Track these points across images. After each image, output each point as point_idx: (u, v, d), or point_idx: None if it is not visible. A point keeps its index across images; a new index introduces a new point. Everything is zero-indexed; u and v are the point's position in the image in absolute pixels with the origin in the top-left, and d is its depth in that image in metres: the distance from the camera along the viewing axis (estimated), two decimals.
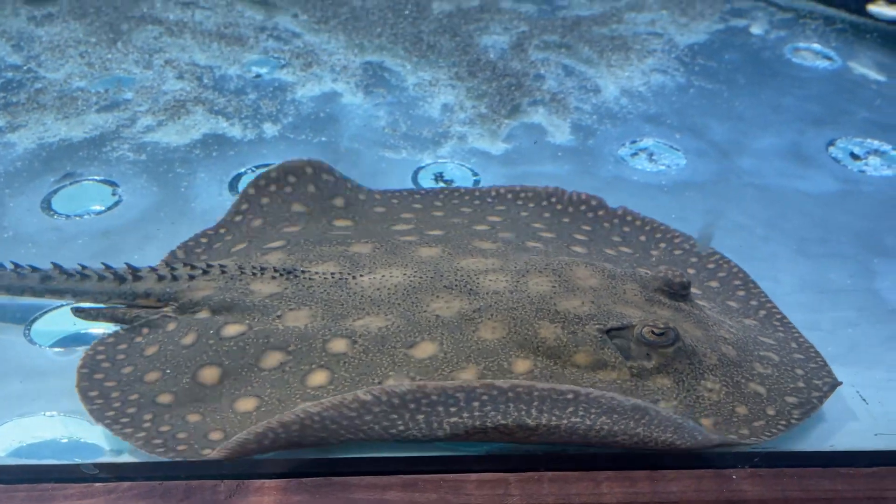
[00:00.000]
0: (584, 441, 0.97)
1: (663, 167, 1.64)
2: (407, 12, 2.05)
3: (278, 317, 1.07)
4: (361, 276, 1.12)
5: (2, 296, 1.14)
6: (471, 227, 1.31)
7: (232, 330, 1.07)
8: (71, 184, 1.45)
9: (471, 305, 1.07)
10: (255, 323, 1.07)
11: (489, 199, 1.41)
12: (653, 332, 1.04)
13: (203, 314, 1.10)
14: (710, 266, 1.32)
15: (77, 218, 1.37)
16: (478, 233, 1.28)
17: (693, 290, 1.19)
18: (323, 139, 1.64)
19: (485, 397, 0.93)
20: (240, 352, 1.05)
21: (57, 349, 1.14)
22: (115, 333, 1.11)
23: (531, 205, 1.41)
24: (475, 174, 1.58)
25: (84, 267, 1.14)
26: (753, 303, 1.26)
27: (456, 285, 1.10)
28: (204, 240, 1.31)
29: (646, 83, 1.89)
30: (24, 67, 1.74)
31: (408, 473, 0.96)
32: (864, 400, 1.12)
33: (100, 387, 1.04)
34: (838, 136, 1.73)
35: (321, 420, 0.92)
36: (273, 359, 1.04)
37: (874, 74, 1.96)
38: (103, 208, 1.40)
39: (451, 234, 1.26)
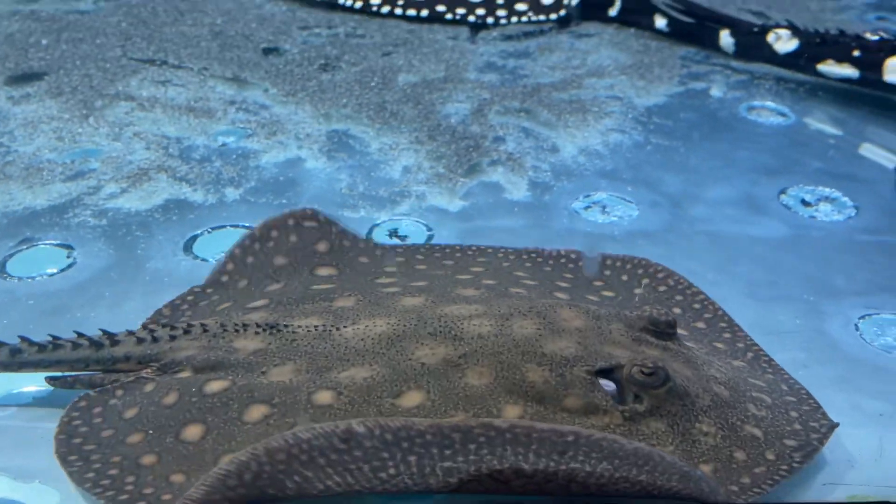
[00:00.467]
0: (583, 489, 0.93)
1: (615, 218, 1.66)
2: (373, 84, 2.13)
3: (263, 373, 1.07)
4: (345, 327, 1.11)
5: None
6: (454, 276, 1.32)
7: (215, 386, 1.06)
8: (28, 248, 1.48)
9: (456, 351, 1.06)
10: (239, 379, 1.07)
11: (470, 253, 1.43)
12: (642, 371, 1.02)
13: (185, 374, 1.09)
14: (696, 306, 1.32)
15: (29, 280, 1.40)
16: (461, 281, 1.29)
17: (680, 330, 1.18)
18: (283, 201, 1.68)
19: (482, 439, 0.90)
20: (223, 407, 1.04)
21: None
22: (87, 396, 1.10)
23: (512, 257, 1.43)
24: (429, 229, 1.61)
25: (55, 337, 1.13)
26: (740, 345, 1.26)
27: (440, 332, 1.09)
28: (190, 297, 1.32)
29: (603, 142, 1.94)
30: None
31: None
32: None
33: (79, 451, 1.02)
34: (790, 185, 1.76)
35: (309, 450, 0.88)
36: (257, 412, 1.03)
37: (827, 128, 2.01)
38: (56, 270, 1.42)
39: (434, 283, 1.27)
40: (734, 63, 2.30)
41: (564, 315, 1.11)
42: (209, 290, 1.32)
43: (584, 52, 2.37)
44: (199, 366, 1.09)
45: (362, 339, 1.09)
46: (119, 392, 1.09)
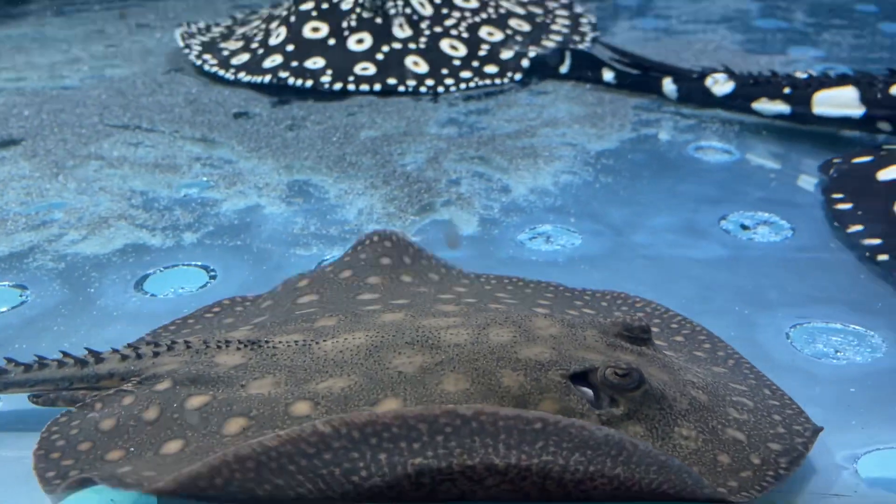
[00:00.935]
0: (560, 489, 0.92)
1: (559, 247, 1.71)
2: (335, 139, 2.23)
3: (242, 385, 1.08)
4: (325, 341, 1.13)
5: None
6: (436, 295, 1.35)
7: (196, 402, 1.07)
8: None
9: (433, 359, 1.07)
10: (220, 393, 1.08)
11: (454, 274, 1.47)
12: (616, 373, 1.01)
13: (164, 385, 1.11)
14: (674, 326, 1.34)
15: None
16: (442, 300, 1.32)
17: (659, 342, 1.20)
18: (238, 242, 1.74)
19: (448, 429, 0.87)
20: (203, 422, 1.05)
21: None
22: (68, 413, 1.12)
23: (493, 281, 1.47)
24: None
25: (40, 357, 1.16)
26: (721, 353, 1.27)
27: (418, 341, 1.11)
28: (172, 327, 1.36)
29: (554, 182, 2.01)
30: None
31: None
32: None
33: (57, 466, 1.03)
34: (730, 212, 1.82)
35: (277, 457, 0.87)
36: (236, 425, 1.04)
37: (768, 163, 2.08)
38: (7, 308, 1.48)
39: (415, 301, 1.30)
40: (684, 110, 2.40)
41: (539, 324, 1.13)
42: (190, 321, 1.36)
43: (540, 107, 2.47)
44: (180, 379, 1.10)
45: (341, 351, 1.11)
46: (98, 405, 1.10)
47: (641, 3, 3.58)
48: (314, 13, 2.59)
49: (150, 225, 1.79)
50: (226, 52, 2.66)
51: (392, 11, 2.56)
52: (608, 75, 2.53)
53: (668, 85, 2.40)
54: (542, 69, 2.64)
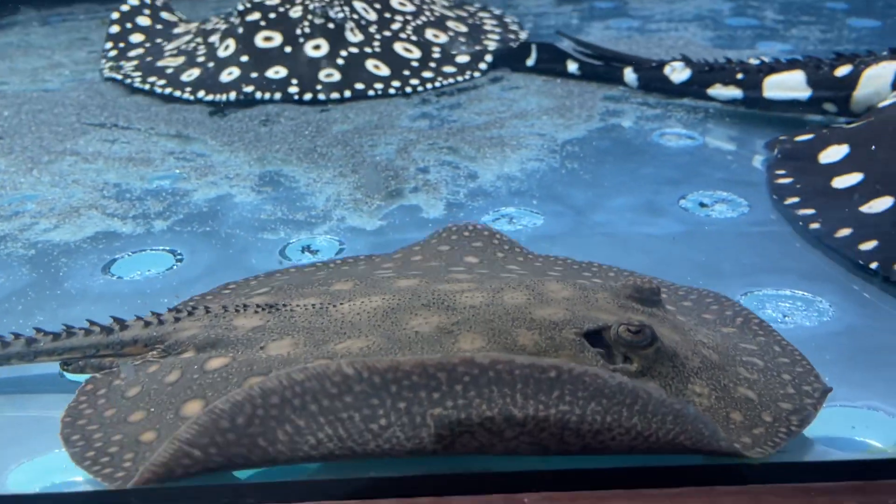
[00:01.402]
0: (578, 440, 0.93)
1: (521, 227, 1.75)
2: (307, 133, 2.27)
3: (262, 347, 1.10)
4: (342, 304, 1.16)
5: None
6: (448, 267, 1.39)
7: (216, 363, 1.10)
8: None
9: (449, 319, 1.09)
10: (239, 354, 1.10)
11: (467, 248, 1.49)
12: (629, 330, 1.03)
13: (188, 354, 1.13)
14: (681, 293, 1.37)
15: None
16: (454, 270, 1.35)
17: (668, 306, 1.22)
18: (207, 229, 1.77)
19: (466, 378, 0.88)
20: (223, 382, 1.06)
21: None
22: (93, 379, 1.15)
23: (506, 247, 1.50)
24: (341, 243, 1.69)
25: (67, 326, 1.20)
26: (728, 313, 1.29)
27: (434, 303, 1.13)
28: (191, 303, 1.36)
29: (521, 169, 2.04)
30: None
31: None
32: None
33: (82, 431, 1.06)
34: (690, 192, 1.86)
35: (302, 394, 0.88)
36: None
37: (729, 146, 2.12)
38: None
39: (429, 270, 1.33)
40: (650, 100, 2.45)
41: (552, 287, 1.17)
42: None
43: (511, 101, 2.52)
44: (200, 345, 1.13)
45: (358, 314, 1.13)
46: (123, 375, 1.13)
47: (618, 4, 3.64)
48: (263, 23, 2.56)
49: (121, 214, 1.83)
50: (170, 70, 2.57)
51: (340, 16, 2.57)
52: (572, 66, 2.59)
53: (629, 74, 2.46)
54: (509, 62, 2.70)
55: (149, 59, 2.71)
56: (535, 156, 2.12)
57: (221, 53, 2.55)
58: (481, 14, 3.08)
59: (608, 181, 1.95)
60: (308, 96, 2.44)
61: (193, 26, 2.92)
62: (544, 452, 0.96)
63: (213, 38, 2.63)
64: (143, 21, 2.96)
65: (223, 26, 2.65)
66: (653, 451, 0.94)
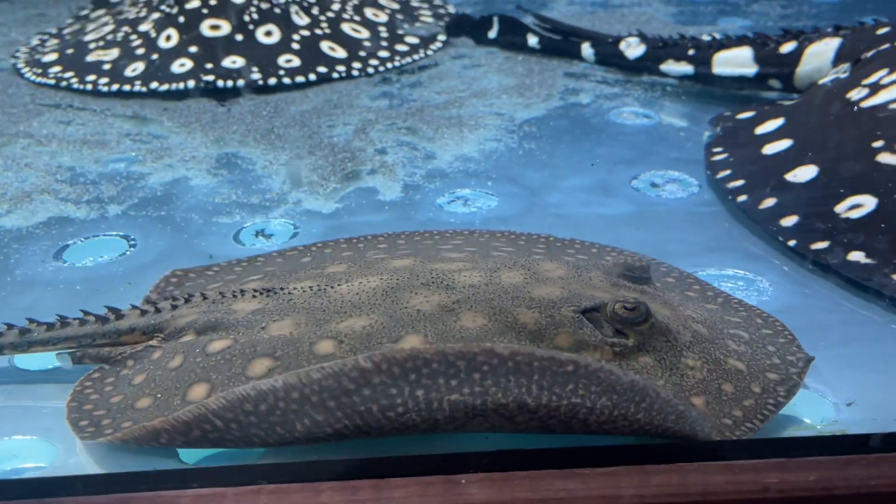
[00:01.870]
0: (584, 427, 0.96)
1: (475, 209, 1.77)
2: (265, 113, 2.26)
3: (263, 328, 1.11)
4: (340, 285, 1.17)
5: None
6: (437, 246, 1.41)
7: (218, 346, 1.10)
8: None
9: (449, 298, 1.11)
10: (241, 336, 1.10)
11: (448, 234, 1.53)
12: (625, 307, 1.06)
13: (188, 337, 1.14)
14: (663, 269, 1.41)
15: None
16: (444, 249, 1.37)
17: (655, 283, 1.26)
18: (162, 213, 1.77)
19: (485, 367, 0.90)
20: (227, 364, 1.07)
21: None
22: (101, 369, 1.15)
23: (486, 235, 1.53)
24: (296, 227, 1.70)
25: (62, 316, 1.20)
26: (710, 293, 1.34)
27: (433, 282, 1.15)
28: (174, 279, 1.38)
29: (479, 150, 2.06)
30: None
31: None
32: None
33: (90, 416, 1.07)
34: (643, 172, 1.88)
35: (319, 391, 0.90)
36: (261, 366, 1.06)
37: (684, 124, 2.14)
38: None
39: (419, 251, 1.35)
40: (609, 78, 2.46)
41: (547, 266, 1.20)
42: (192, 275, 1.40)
43: (471, 79, 2.52)
44: (200, 329, 1.14)
45: (357, 294, 1.14)
46: (130, 362, 1.14)
47: None
48: (205, 10, 2.47)
49: (75, 198, 1.81)
50: (106, 66, 2.42)
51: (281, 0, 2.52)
52: (532, 40, 2.60)
53: (587, 49, 2.49)
54: (471, 33, 2.71)
55: (70, 51, 2.56)
56: (493, 136, 2.13)
57: (164, 44, 2.44)
58: None
59: (564, 161, 1.97)
60: (273, 81, 2.39)
61: (102, 12, 2.79)
62: (549, 433, 1.00)
63: (146, 28, 2.52)
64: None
65: (155, 15, 2.54)
66: (647, 436, 0.98)
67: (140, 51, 2.46)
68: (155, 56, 2.43)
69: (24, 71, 2.52)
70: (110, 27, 2.62)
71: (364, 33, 2.63)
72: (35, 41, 2.77)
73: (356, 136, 2.11)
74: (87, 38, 2.62)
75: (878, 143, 1.52)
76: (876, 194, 1.46)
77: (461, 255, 1.29)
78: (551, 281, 1.15)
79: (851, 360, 1.20)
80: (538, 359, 0.90)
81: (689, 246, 1.55)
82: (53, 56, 2.57)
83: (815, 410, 1.10)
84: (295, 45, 2.51)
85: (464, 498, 0.94)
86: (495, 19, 2.68)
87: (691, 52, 2.22)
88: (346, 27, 2.62)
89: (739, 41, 2.17)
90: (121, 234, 1.67)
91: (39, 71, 2.50)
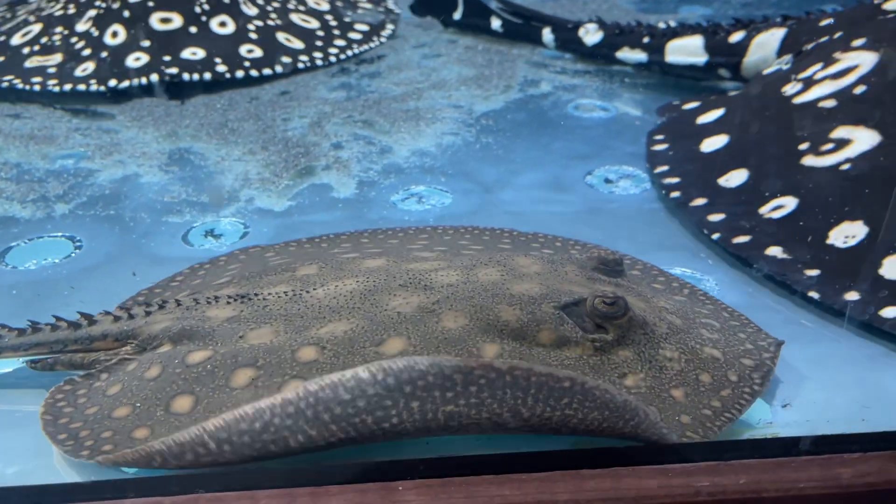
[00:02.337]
0: (571, 432, 0.97)
1: (429, 206, 1.76)
2: (219, 106, 2.22)
3: (241, 337, 1.09)
4: (315, 289, 1.15)
5: None
6: (405, 245, 1.39)
7: (197, 356, 1.08)
8: None
9: (429, 299, 1.10)
10: (220, 346, 1.08)
11: (411, 232, 1.51)
12: (604, 302, 1.08)
13: (165, 347, 1.11)
14: (627, 261, 1.41)
15: None
16: (413, 248, 1.35)
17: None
18: (111, 212, 1.73)
19: (482, 381, 0.90)
20: (209, 376, 1.05)
21: None
22: (71, 380, 1.13)
23: (451, 231, 1.52)
24: (246, 227, 1.68)
25: (34, 322, 1.17)
26: (675, 284, 1.35)
27: (411, 283, 1.14)
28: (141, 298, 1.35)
29: (436, 144, 2.04)
30: None
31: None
32: None
33: (66, 429, 1.04)
34: (597, 167, 1.89)
35: (315, 404, 0.89)
36: (244, 376, 1.04)
37: (642, 118, 2.14)
38: None
39: (389, 250, 1.33)
40: (570, 68, 2.46)
41: (522, 262, 1.20)
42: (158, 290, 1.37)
43: (431, 69, 2.50)
44: (175, 337, 1.12)
45: (335, 298, 1.13)
46: (104, 375, 1.12)
47: None
48: (151, 3, 2.40)
49: (20, 197, 1.77)
50: (52, 69, 2.29)
51: None
52: (496, 24, 2.61)
53: (547, 35, 2.50)
54: (437, 13, 2.71)
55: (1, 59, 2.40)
56: (451, 129, 2.11)
57: (111, 41, 2.35)
58: None
59: (520, 156, 1.96)
60: (240, 74, 2.33)
61: (24, 12, 2.62)
62: (535, 434, 1.01)
63: (85, 27, 2.41)
64: None
65: (92, 12, 2.42)
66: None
67: (86, 51, 2.35)
68: (104, 54, 2.34)
69: None
70: (38, 28, 2.49)
71: (314, 23, 2.59)
72: None
73: (311, 130, 2.09)
74: (16, 41, 2.48)
75: (804, 146, 1.55)
76: (797, 195, 1.49)
77: (433, 253, 1.29)
78: (528, 277, 1.15)
79: (790, 360, 1.22)
80: (537, 374, 0.91)
81: (638, 244, 1.56)
82: None
83: (752, 411, 1.11)
84: (253, 35, 2.46)
85: None
86: (460, 1, 2.67)
87: (646, 39, 2.23)
88: (296, 17, 2.58)
89: (691, 30, 2.19)
90: (66, 234, 1.64)
91: None
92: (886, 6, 1.77)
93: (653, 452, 1.00)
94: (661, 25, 2.27)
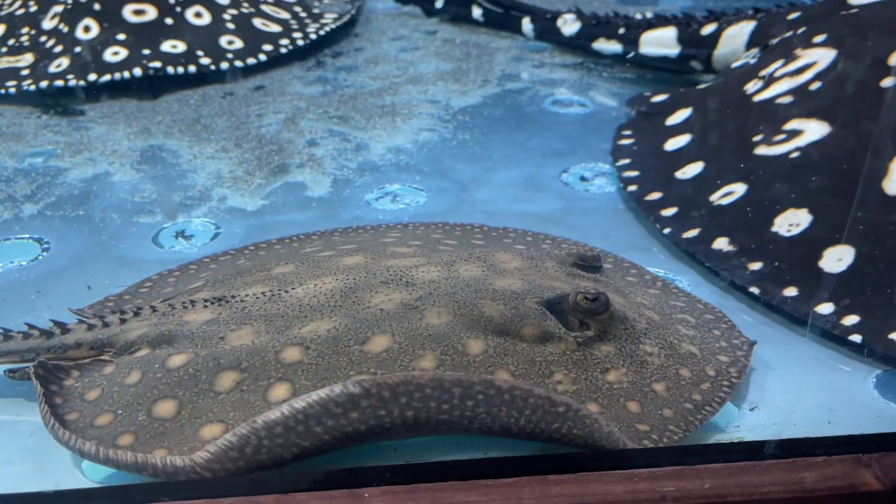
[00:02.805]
0: (549, 441, 0.98)
1: (404, 206, 1.75)
2: (192, 102, 2.19)
3: (221, 338, 1.07)
4: (293, 288, 1.14)
5: None
6: (378, 240, 1.38)
7: (178, 360, 1.06)
8: None
9: (411, 295, 1.10)
10: (200, 349, 1.06)
11: (382, 229, 1.50)
12: (586, 297, 1.08)
13: (143, 352, 1.09)
14: (599, 252, 1.39)
15: None
16: (388, 243, 1.34)
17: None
18: (81, 213, 1.71)
19: (480, 396, 0.91)
20: (192, 380, 1.03)
21: None
22: (42, 365, 1.08)
23: (422, 228, 1.51)
24: (217, 227, 1.66)
25: (6, 330, 1.15)
26: (648, 277, 1.35)
27: (392, 280, 1.13)
28: (110, 303, 1.32)
29: (412, 140, 2.03)
30: None
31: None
32: None
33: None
34: (573, 165, 1.88)
35: (305, 420, 0.89)
36: (228, 380, 1.03)
37: (619, 114, 2.14)
38: None
39: (364, 246, 1.31)
40: (548, 62, 2.45)
41: (502, 258, 1.20)
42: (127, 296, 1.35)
43: (408, 63, 2.48)
44: (154, 342, 1.09)
45: (315, 296, 1.11)
46: (75, 373, 1.09)
47: None
48: None
49: None
50: (24, 71, 2.23)
51: None
52: (477, 12, 2.62)
53: (527, 24, 2.51)
54: (419, 2, 2.72)
55: None
56: (427, 125, 2.10)
57: (84, 36, 2.30)
58: None
59: (496, 153, 1.96)
60: (225, 66, 2.30)
61: None
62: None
63: (52, 24, 2.35)
64: None
65: (57, 8, 2.36)
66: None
67: (58, 48, 2.30)
68: (78, 49, 2.28)
69: None
70: (2, 29, 2.43)
71: (284, 14, 2.57)
72: None
73: (286, 127, 2.07)
74: None
75: (758, 137, 1.55)
76: (747, 182, 1.49)
77: (409, 249, 1.28)
78: (509, 272, 1.15)
79: (761, 361, 1.23)
80: (535, 396, 0.92)
81: (612, 243, 1.55)
82: None
83: (720, 414, 1.12)
84: (230, 26, 2.43)
85: None
86: None
87: (621, 30, 2.24)
88: (266, 8, 2.56)
89: (666, 21, 2.19)
90: (34, 236, 1.61)
91: None
92: (851, 0, 1.77)
93: (619, 457, 1.00)
94: (638, 17, 2.27)
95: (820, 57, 1.60)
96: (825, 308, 1.26)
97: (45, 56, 2.30)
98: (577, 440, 0.97)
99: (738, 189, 1.48)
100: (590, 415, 0.95)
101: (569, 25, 2.38)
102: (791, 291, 1.30)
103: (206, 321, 1.11)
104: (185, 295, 1.22)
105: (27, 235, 1.61)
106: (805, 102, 1.55)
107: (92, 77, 2.21)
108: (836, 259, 1.30)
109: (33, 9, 2.43)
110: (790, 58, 1.68)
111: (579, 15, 2.41)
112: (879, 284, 1.25)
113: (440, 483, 0.98)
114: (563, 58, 2.45)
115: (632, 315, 1.13)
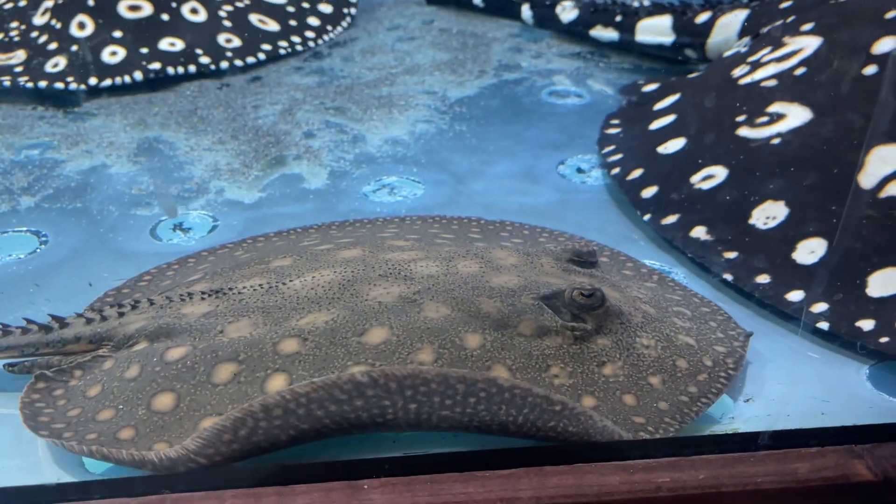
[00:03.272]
0: (543, 438, 1.00)
1: (401, 198, 1.75)
2: (188, 93, 2.19)
3: (220, 331, 1.07)
4: (291, 281, 1.14)
5: None
6: (376, 234, 1.39)
7: (176, 353, 1.07)
8: None
9: (409, 289, 1.11)
10: (198, 342, 1.07)
11: (379, 222, 1.51)
12: (582, 294, 1.10)
13: (141, 345, 1.10)
14: (595, 247, 1.40)
15: None
16: (386, 237, 1.35)
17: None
18: (78, 205, 1.71)
19: (482, 394, 0.93)
20: (189, 372, 1.04)
21: None
22: (44, 377, 1.10)
23: (419, 222, 1.51)
24: (215, 220, 1.66)
25: (5, 325, 1.15)
26: (644, 270, 1.37)
27: (390, 273, 1.14)
28: (108, 299, 1.33)
29: (409, 132, 2.03)
30: None
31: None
32: None
33: (49, 428, 1.03)
34: (570, 157, 1.89)
35: (307, 404, 0.90)
36: (226, 371, 1.03)
37: (615, 105, 2.14)
38: None
39: (362, 240, 1.32)
40: (546, 52, 2.44)
41: (499, 255, 1.22)
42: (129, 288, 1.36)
43: (404, 53, 2.48)
44: (152, 335, 1.10)
45: (313, 288, 1.12)
46: (78, 372, 1.10)
47: None
48: None
49: None
50: (18, 68, 2.18)
51: None
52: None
53: (526, 11, 2.52)
54: None
55: None
56: (424, 117, 2.10)
57: (79, 33, 2.25)
58: None
59: (493, 145, 1.96)
60: (225, 65, 2.28)
61: None
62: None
63: (43, 20, 2.30)
64: None
65: (48, 3, 2.32)
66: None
67: (52, 46, 2.25)
68: (75, 48, 2.23)
69: None
70: None
71: (281, 5, 2.55)
72: None
73: (282, 118, 2.07)
74: None
75: (741, 118, 1.56)
76: (728, 166, 1.50)
77: (407, 242, 1.29)
78: (506, 269, 1.17)
79: (755, 354, 1.24)
80: (534, 395, 0.94)
81: (608, 236, 1.56)
82: None
83: (716, 406, 1.13)
84: (227, 23, 2.42)
85: (366, 503, 0.96)
86: None
87: (618, 18, 2.25)
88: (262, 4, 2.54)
89: (662, 9, 2.20)
90: (31, 229, 1.62)
91: None
92: None
93: (615, 449, 1.02)
94: (636, 4, 2.28)
95: (806, 44, 1.61)
96: (795, 296, 1.28)
97: (39, 53, 2.26)
98: (571, 437, 0.98)
99: (719, 173, 1.49)
100: (584, 412, 0.97)
101: (567, 12, 2.39)
102: (763, 279, 1.33)
103: (203, 314, 1.12)
104: (183, 287, 1.23)
105: (25, 228, 1.62)
106: (789, 86, 1.56)
107: (93, 81, 2.16)
108: (809, 251, 1.32)
109: (22, 3, 2.39)
110: (777, 45, 1.69)
111: (578, 2, 2.42)
112: (849, 275, 1.27)
113: (438, 475, 0.99)
114: (561, 47, 2.45)
115: (628, 309, 1.14)
